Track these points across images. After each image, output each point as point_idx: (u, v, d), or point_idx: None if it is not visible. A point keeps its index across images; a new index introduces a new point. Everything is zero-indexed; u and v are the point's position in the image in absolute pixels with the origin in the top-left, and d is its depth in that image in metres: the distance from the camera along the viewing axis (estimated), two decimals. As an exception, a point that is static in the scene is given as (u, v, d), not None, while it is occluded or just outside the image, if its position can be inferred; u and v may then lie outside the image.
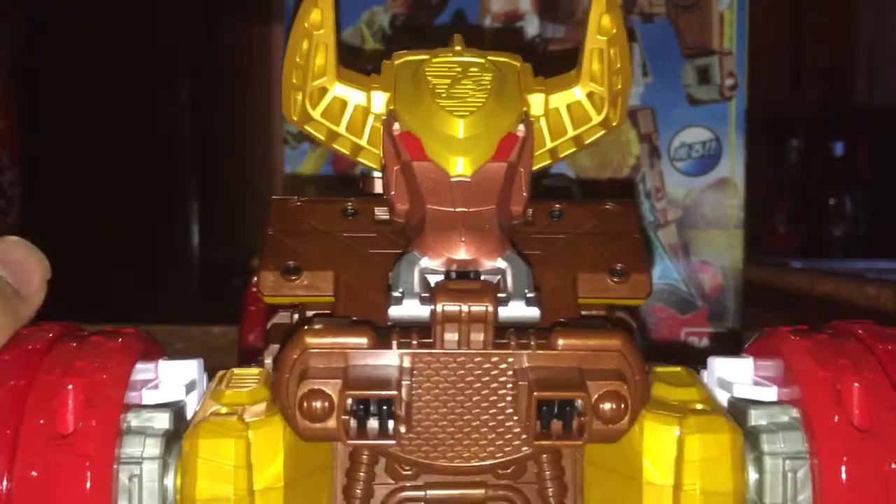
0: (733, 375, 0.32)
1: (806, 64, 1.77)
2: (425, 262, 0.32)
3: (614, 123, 0.37)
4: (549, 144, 0.36)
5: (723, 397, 0.32)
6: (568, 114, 0.37)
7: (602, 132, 0.37)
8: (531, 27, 0.72)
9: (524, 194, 0.34)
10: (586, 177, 0.71)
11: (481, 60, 0.36)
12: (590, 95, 0.36)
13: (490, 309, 0.29)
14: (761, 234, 1.61)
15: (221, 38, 1.45)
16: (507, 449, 0.30)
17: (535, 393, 0.28)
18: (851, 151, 1.78)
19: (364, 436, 0.29)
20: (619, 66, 0.36)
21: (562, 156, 0.37)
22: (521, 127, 0.34)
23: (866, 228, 1.73)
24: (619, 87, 0.36)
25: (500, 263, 0.32)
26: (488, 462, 0.30)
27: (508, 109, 0.34)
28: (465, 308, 0.29)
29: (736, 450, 0.29)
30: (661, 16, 0.70)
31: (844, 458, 0.27)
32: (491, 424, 0.30)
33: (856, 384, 0.28)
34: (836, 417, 0.27)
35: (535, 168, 0.35)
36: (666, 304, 0.70)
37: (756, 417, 0.29)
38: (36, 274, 0.33)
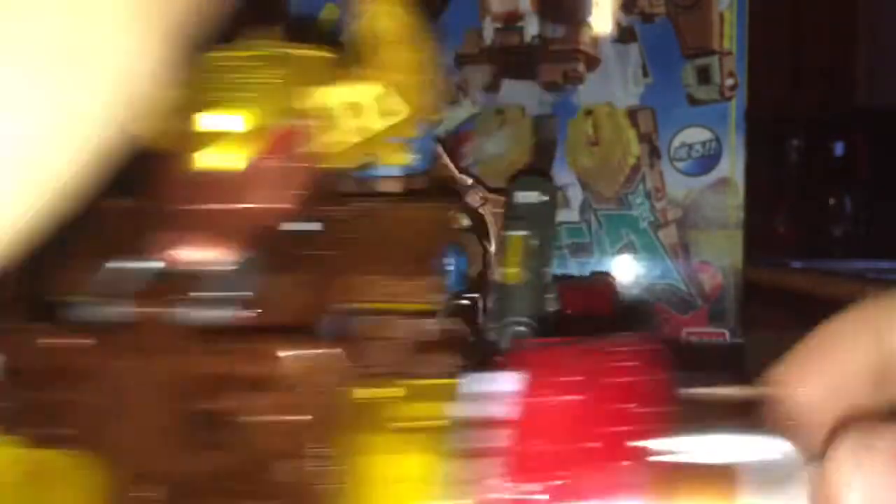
0: (484, 388, 0.32)
1: (806, 64, 1.77)
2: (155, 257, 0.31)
3: (423, 115, 0.36)
4: (355, 139, 0.35)
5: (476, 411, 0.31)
6: (377, 107, 0.35)
7: (412, 124, 0.36)
8: (531, 27, 0.72)
9: (294, 192, 0.33)
10: (586, 178, 0.71)
11: (270, 53, 0.35)
12: (391, 88, 0.35)
13: (166, 309, 0.29)
14: (761, 234, 1.61)
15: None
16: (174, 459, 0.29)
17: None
18: (851, 151, 1.78)
19: None
20: (409, 55, 0.35)
21: (381, 152, 0.36)
22: (295, 122, 0.33)
23: (866, 228, 1.73)
24: (416, 77, 0.35)
25: (232, 263, 0.31)
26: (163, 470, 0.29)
27: (282, 104, 0.33)
28: (146, 309, 0.29)
29: (426, 470, 0.27)
30: (661, 16, 0.70)
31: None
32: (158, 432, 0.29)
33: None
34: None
35: (348, 165, 0.35)
36: (666, 304, 0.70)
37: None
38: None
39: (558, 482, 0.23)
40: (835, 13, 1.75)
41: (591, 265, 0.71)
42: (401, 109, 0.35)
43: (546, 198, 0.48)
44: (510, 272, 0.40)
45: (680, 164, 0.70)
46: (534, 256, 0.42)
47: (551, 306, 0.43)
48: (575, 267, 0.70)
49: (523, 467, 0.24)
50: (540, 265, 0.42)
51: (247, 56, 0.35)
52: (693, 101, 0.70)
